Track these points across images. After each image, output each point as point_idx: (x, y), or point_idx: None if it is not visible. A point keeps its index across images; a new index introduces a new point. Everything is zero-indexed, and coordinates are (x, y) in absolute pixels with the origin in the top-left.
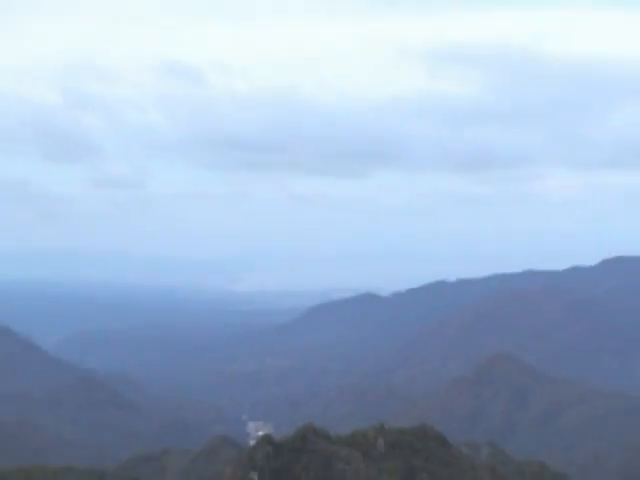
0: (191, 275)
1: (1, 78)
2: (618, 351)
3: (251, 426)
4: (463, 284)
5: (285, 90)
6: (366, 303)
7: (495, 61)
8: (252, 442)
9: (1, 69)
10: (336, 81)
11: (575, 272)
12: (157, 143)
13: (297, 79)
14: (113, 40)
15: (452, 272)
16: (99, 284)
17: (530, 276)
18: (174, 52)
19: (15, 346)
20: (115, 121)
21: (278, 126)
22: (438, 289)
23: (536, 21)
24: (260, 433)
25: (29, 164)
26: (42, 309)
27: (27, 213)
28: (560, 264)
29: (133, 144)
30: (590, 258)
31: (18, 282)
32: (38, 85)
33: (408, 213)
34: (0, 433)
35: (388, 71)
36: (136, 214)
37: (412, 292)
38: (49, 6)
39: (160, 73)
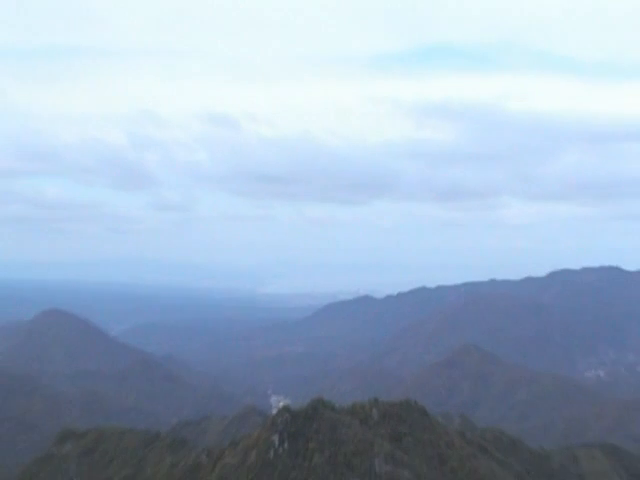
0: (227, 280)
1: (82, 124)
2: (561, 343)
3: (274, 399)
4: (441, 289)
5: (302, 135)
6: (364, 304)
7: (468, 115)
8: (274, 411)
9: (82, 118)
10: (342, 129)
11: (528, 281)
12: (202, 176)
13: (311, 127)
14: (168, 94)
15: (433, 280)
16: (157, 285)
17: (493, 284)
18: (215, 104)
19: (91, 334)
20: (169, 158)
21: (296, 163)
22: (421, 293)
23: (500, 84)
24: (281, 404)
25: (103, 191)
26: (112, 305)
27: (101, 230)
28: (517, 275)
29: (183, 176)
30: (540, 270)
31: (93, 284)
32: (110, 129)
33: (398, 233)
34: (78, 401)
35: (384, 122)
36: (185, 232)
37: (401, 295)
38: (120, 67)
39: (204, 121)
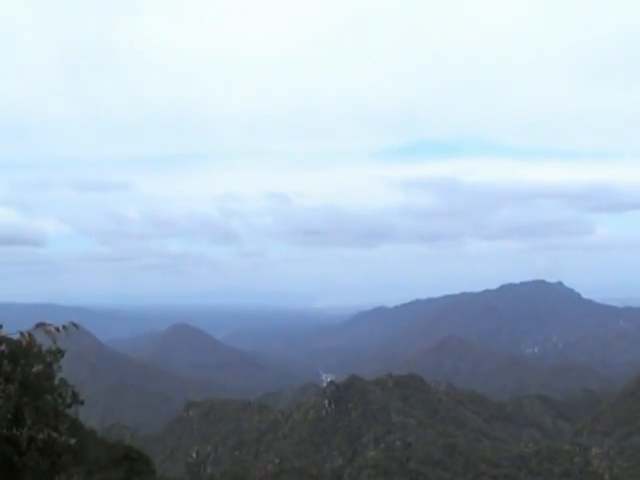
0: (290, 300)
1: (190, 203)
2: (509, 331)
3: (324, 376)
4: (430, 300)
5: (330, 204)
6: (380, 312)
7: (438, 186)
8: (324, 384)
9: (190, 198)
10: (356, 198)
11: (485, 292)
12: (268, 233)
13: (336, 198)
14: (245, 181)
15: (423, 294)
16: (243, 304)
17: (463, 295)
18: (275, 186)
19: (204, 338)
20: (247, 222)
21: (327, 222)
22: (416, 304)
23: (457, 164)
24: (329, 379)
25: (205, 246)
26: (217, 318)
27: (205, 270)
28: (477, 288)
29: (256, 234)
30: (494, 284)
31: (203, 305)
32: (208, 205)
33: (397, 264)
34: (196, 382)
35: (383, 193)
36: (259, 270)
37: (403, 305)
38: (213, 163)
39: (268, 197)
